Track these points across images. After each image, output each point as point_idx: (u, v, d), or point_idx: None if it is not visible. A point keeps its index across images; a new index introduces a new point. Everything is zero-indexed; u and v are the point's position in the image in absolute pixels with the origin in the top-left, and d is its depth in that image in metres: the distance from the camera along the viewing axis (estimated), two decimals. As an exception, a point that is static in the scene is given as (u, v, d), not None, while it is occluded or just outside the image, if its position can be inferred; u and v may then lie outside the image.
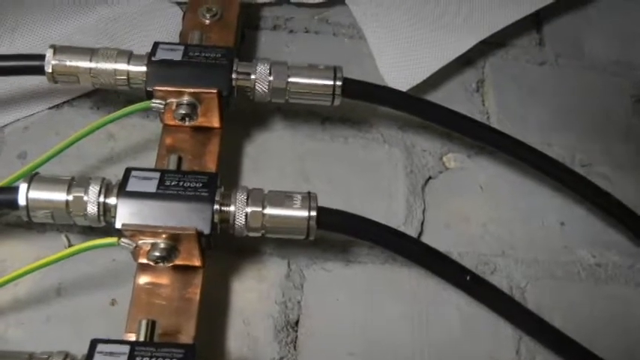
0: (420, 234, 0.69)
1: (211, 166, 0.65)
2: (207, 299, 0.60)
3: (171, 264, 0.56)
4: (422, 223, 0.70)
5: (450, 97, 0.77)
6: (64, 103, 0.72)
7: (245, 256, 0.65)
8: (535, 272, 0.68)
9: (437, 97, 0.77)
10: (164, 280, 0.59)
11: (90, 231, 0.64)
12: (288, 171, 0.71)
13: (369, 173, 0.72)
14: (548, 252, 0.70)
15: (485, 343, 0.64)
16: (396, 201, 0.70)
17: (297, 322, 0.63)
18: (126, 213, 0.56)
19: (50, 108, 0.72)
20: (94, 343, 0.51)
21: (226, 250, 0.65)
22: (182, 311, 0.58)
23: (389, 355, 0.63)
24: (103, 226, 0.58)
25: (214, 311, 0.62)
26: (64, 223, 0.59)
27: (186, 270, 0.59)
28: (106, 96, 0.73)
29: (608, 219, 0.71)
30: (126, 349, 0.50)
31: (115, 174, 0.59)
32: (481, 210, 0.71)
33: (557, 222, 0.71)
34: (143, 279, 0.59)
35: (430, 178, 0.73)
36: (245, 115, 0.73)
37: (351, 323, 0.64)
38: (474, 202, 0.72)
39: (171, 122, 0.65)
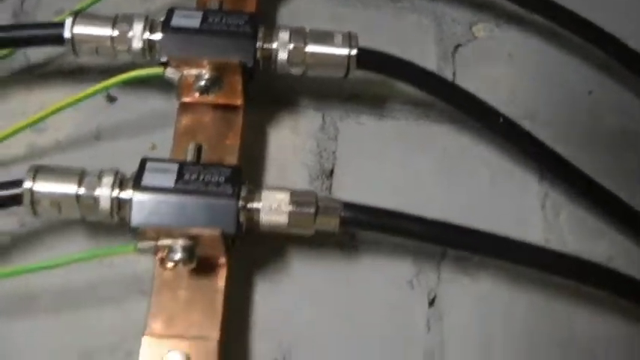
0: (450, 97, 0.70)
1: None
2: (244, 146, 0.61)
3: (215, 94, 0.57)
4: (452, 87, 0.70)
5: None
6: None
7: (281, 108, 0.67)
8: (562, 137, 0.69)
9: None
10: (206, 118, 0.60)
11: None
12: (320, 34, 0.71)
13: (401, 40, 0.72)
14: (574, 119, 0.71)
15: (511, 198, 0.65)
16: (427, 65, 0.71)
17: (331, 172, 0.64)
18: (172, 48, 0.56)
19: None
20: (143, 162, 0.52)
21: (263, 101, 0.66)
22: (224, 153, 0.59)
23: (417, 206, 0.63)
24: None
25: (251, 157, 0.63)
26: (107, 59, 0.60)
27: (226, 110, 0.60)
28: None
29: (636, 88, 0.72)
30: (175, 167, 0.52)
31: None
32: (509, 77, 0.72)
33: (585, 90, 0.72)
34: (184, 120, 0.60)
35: (460, 45, 0.73)
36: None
37: (382, 175, 0.65)
38: (503, 69, 0.72)
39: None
